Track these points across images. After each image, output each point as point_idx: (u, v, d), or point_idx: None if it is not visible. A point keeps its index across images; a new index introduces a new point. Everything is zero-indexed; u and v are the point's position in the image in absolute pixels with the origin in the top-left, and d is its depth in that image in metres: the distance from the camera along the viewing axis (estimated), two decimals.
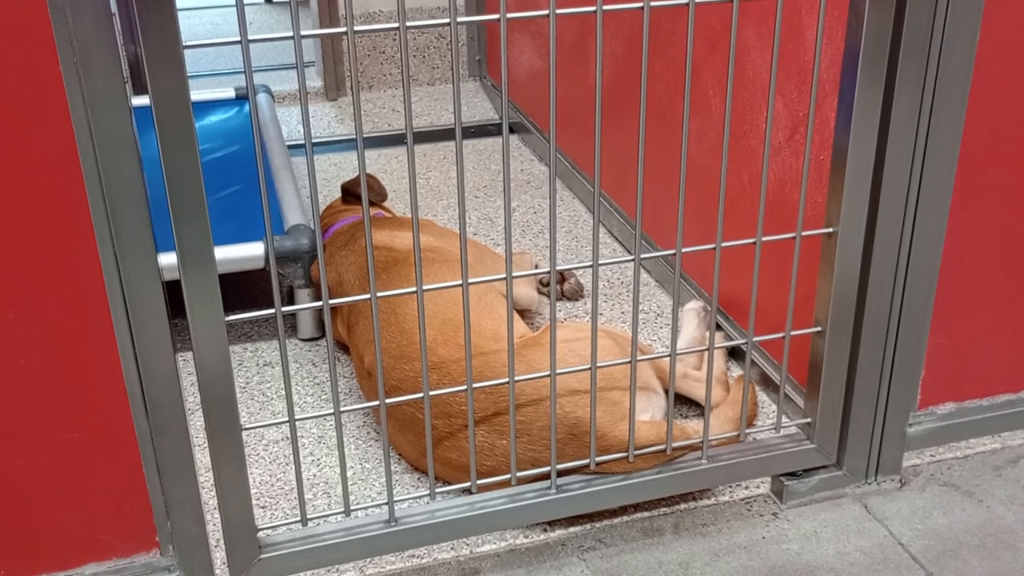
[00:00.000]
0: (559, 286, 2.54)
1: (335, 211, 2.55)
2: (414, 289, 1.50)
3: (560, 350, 1.76)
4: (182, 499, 1.55)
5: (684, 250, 1.61)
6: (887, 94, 1.59)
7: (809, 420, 1.83)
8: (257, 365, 2.32)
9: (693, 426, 1.88)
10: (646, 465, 1.75)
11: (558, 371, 1.63)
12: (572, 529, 1.81)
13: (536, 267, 2.60)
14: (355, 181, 2.57)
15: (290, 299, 2.38)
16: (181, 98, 1.27)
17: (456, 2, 1.33)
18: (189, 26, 4.83)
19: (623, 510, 1.84)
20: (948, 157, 1.68)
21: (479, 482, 1.70)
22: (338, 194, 2.65)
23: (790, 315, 1.72)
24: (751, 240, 1.63)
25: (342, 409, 1.56)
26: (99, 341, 1.43)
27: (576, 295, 2.54)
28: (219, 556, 1.67)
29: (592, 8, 1.40)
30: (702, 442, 1.76)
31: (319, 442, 2.05)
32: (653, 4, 1.42)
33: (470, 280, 1.51)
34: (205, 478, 1.72)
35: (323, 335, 2.40)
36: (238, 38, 1.27)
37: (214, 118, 3.13)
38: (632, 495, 1.78)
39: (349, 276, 2.22)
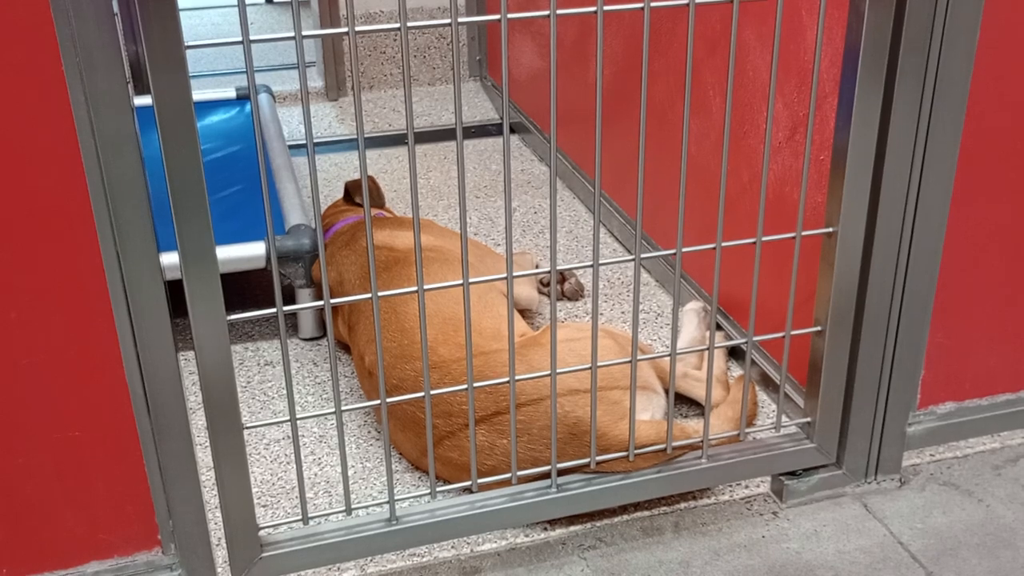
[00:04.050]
0: (559, 286, 2.54)
1: (336, 211, 2.55)
2: (415, 289, 1.50)
3: (560, 350, 1.76)
4: (183, 498, 1.56)
5: (684, 250, 1.61)
6: (887, 94, 1.59)
7: (809, 419, 1.84)
8: (258, 364, 2.32)
9: (693, 425, 1.89)
10: (646, 464, 1.76)
11: (558, 371, 1.63)
12: (572, 528, 1.81)
13: (537, 267, 2.60)
14: (357, 182, 2.58)
15: (291, 299, 2.38)
16: (183, 98, 1.28)
17: (457, 2, 1.33)
18: (190, 26, 4.83)
19: (623, 509, 1.84)
20: (948, 157, 1.68)
21: (480, 481, 1.70)
22: (338, 194, 2.65)
23: (790, 315, 1.72)
24: (751, 240, 1.63)
25: (343, 408, 1.56)
26: (101, 340, 1.43)
27: (576, 295, 2.54)
28: (220, 555, 1.67)
29: (592, 8, 1.40)
30: (702, 441, 1.77)
31: (320, 441, 2.05)
32: (653, 4, 1.42)
33: (471, 280, 1.51)
34: (207, 477, 1.72)
35: (324, 335, 2.40)
36: (239, 38, 1.27)
37: (215, 118, 3.13)
38: (632, 494, 1.78)
39: (350, 276, 2.23)
